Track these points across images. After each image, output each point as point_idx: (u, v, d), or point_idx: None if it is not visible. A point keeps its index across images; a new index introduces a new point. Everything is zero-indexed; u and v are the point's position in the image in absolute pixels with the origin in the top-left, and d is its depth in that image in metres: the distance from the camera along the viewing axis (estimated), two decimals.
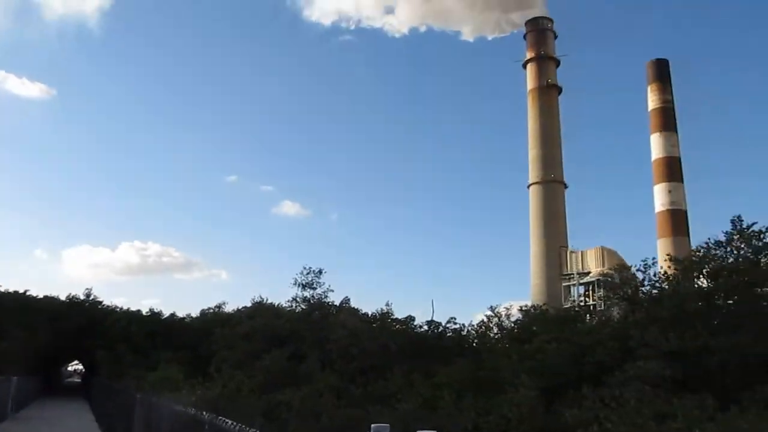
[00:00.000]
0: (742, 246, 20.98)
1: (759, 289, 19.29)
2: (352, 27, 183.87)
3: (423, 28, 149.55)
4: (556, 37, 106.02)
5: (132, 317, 54.03)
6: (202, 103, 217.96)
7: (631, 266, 27.76)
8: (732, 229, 21.27)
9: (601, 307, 70.61)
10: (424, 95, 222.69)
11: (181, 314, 57.48)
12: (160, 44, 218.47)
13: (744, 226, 21.13)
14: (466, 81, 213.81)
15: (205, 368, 30.68)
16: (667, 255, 40.16)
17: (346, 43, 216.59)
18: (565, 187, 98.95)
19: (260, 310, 39.71)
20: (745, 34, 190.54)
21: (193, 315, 56.92)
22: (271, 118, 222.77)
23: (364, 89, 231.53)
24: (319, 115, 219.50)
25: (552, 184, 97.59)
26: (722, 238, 21.54)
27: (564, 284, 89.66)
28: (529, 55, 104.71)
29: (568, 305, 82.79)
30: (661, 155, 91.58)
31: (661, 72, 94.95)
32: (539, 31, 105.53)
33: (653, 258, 23.72)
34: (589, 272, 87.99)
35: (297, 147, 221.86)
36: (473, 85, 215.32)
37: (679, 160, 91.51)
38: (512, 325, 32.42)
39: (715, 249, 21.87)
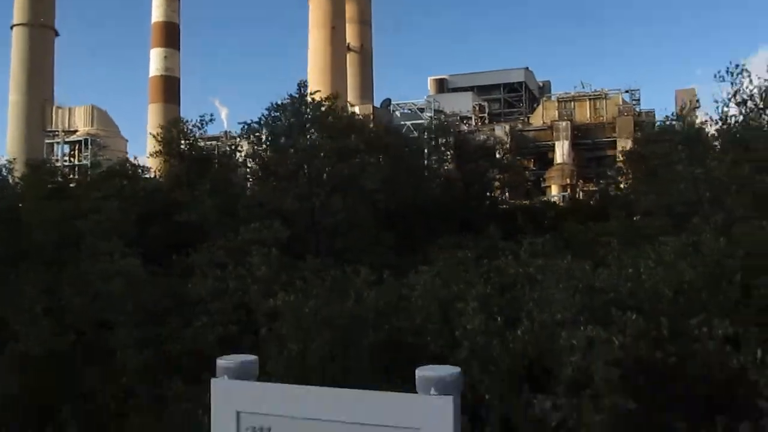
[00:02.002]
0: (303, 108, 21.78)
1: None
2: None
3: None
4: None
5: None
6: None
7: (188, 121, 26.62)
8: (296, 93, 21.87)
9: (89, 167, 66.78)
10: None
11: None
12: None
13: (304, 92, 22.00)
14: None
15: None
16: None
17: None
18: (56, 34, 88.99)
19: None
20: None
21: None
22: None
23: None
24: None
25: (41, 28, 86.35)
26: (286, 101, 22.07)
27: (47, 141, 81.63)
28: None
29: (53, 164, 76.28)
30: (161, 19, 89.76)
31: None
32: None
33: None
34: (76, 131, 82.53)
35: None
36: None
37: (178, 26, 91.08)
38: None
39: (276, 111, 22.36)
